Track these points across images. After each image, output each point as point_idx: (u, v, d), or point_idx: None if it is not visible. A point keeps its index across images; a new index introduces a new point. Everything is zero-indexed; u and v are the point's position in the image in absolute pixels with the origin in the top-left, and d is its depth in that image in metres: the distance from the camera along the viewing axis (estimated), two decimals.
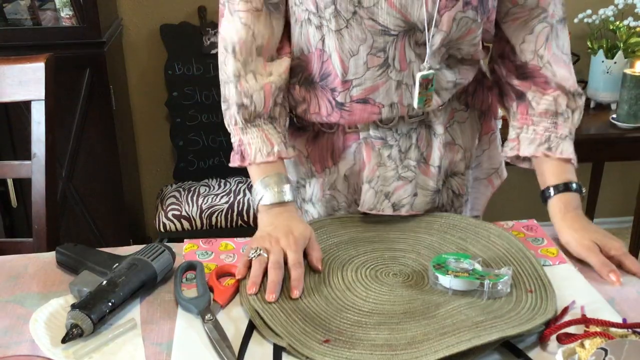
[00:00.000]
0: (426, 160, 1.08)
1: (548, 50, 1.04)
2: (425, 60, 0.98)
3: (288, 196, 1.00)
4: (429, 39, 0.96)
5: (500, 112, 1.19)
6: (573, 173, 1.04)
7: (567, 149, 1.04)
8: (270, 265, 0.89)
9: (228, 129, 1.05)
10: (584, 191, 1.03)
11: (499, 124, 1.20)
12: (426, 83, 1.00)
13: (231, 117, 1.04)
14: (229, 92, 1.03)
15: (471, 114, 1.13)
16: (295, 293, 0.86)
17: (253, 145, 1.02)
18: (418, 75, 0.99)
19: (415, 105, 1.01)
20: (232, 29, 1.00)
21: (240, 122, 1.03)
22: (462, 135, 1.12)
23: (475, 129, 1.14)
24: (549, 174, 1.04)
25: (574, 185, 1.02)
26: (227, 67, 1.02)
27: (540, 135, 1.05)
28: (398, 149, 1.06)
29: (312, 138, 1.11)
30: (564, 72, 1.05)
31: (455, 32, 0.97)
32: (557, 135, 1.04)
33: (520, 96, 1.08)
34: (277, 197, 0.99)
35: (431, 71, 0.99)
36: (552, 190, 1.03)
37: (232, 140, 1.05)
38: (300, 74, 1.05)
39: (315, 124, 1.09)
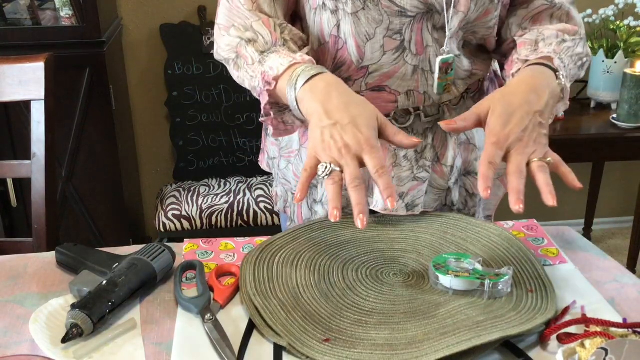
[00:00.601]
0: (439, 160, 1.08)
1: (541, 25, 1.02)
2: (445, 44, 0.98)
3: (325, 69, 0.88)
4: (448, 21, 0.95)
5: None
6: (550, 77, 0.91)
7: (549, 51, 0.95)
8: (349, 183, 0.77)
9: (251, 87, 0.96)
10: (563, 80, 0.92)
11: None
12: (446, 67, 0.99)
13: (246, 60, 0.95)
14: (231, 41, 0.96)
15: None
16: (393, 202, 0.75)
17: (274, 65, 0.91)
18: (438, 60, 0.98)
19: (435, 90, 1.01)
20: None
21: (257, 55, 0.94)
22: (477, 134, 1.11)
23: None
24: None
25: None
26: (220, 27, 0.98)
27: (520, 62, 0.98)
28: (414, 149, 1.05)
29: None
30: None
31: (473, 12, 0.96)
32: (538, 52, 0.97)
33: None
34: (315, 69, 0.87)
35: (451, 55, 0.99)
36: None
37: (257, 89, 0.94)
38: None
39: None
